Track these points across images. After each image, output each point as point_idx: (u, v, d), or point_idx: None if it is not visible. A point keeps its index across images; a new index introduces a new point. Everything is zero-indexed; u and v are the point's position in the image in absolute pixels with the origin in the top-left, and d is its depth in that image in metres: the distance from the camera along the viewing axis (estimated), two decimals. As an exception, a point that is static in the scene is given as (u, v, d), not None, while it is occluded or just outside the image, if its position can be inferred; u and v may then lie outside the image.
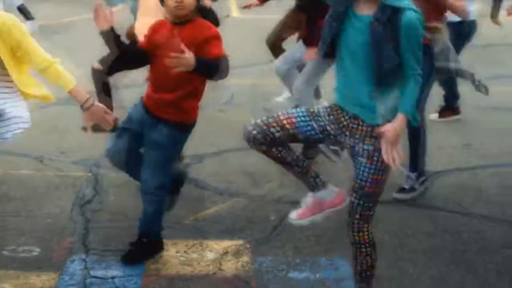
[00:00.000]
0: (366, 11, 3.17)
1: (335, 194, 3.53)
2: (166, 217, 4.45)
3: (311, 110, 3.36)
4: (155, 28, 3.99)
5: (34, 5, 10.75)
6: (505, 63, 8.73)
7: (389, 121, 3.16)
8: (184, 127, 4.01)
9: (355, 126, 3.26)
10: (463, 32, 6.26)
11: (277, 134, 3.29)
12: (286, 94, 6.72)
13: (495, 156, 5.90)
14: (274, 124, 3.30)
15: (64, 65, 3.78)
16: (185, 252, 4.25)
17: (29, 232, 4.46)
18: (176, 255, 4.21)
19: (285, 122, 3.30)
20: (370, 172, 3.25)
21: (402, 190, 4.98)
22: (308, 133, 3.32)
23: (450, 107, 7.03)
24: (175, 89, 3.89)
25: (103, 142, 5.98)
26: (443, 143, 6.06)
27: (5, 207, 4.84)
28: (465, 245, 4.35)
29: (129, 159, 4.11)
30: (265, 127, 3.29)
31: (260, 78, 7.93)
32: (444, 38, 4.69)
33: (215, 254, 4.22)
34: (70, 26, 11.08)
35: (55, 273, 3.97)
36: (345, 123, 3.29)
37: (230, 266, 4.07)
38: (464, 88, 6.95)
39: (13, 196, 5.03)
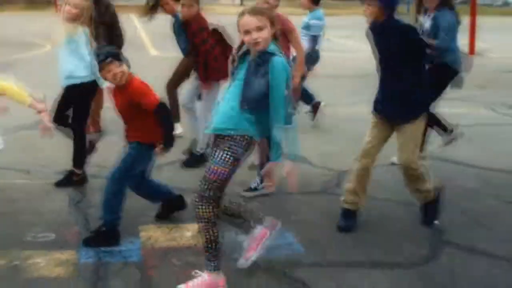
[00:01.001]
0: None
1: (268, 224, 4.64)
2: (147, 209, 5.59)
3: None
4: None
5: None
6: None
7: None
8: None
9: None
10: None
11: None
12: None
13: (387, 158, 7.31)
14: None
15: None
16: (168, 233, 5.36)
17: (41, 224, 5.44)
18: (162, 234, 5.31)
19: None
20: (210, 162, 4.34)
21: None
22: None
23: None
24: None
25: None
26: (322, 150, 7.42)
27: (12, 207, 5.80)
28: (375, 219, 5.67)
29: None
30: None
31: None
32: None
33: (192, 232, 5.33)
34: (8, 66, 11.89)
35: (73, 251, 4.96)
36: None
37: (206, 240, 5.22)
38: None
39: (16, 198, 6.00)
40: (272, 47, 4.27)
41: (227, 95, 4.41)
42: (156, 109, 5.03)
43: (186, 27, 7.04)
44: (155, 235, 5.32)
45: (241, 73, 4.32)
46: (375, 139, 5.36)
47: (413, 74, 5.21)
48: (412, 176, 5.35)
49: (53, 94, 6.26)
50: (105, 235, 5.14)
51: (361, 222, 5.53)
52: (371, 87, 5.63)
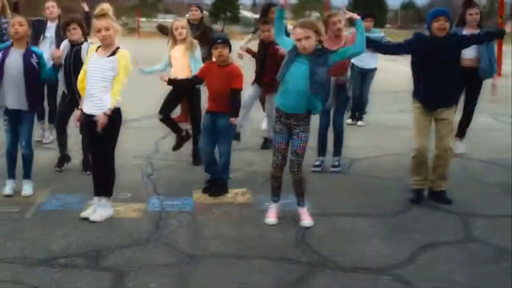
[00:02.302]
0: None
1: None
2: (200, 179, 7.26)
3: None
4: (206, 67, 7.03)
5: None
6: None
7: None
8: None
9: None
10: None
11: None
12: None
13: (391, 149, 8.85)
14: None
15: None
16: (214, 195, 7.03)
17: (122, 187, 7.08)
18: (208, 196, 6.98)
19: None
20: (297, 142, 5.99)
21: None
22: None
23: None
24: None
25: (150, 146, 8.81)
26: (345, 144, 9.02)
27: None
28: (372, 190, 7.21)
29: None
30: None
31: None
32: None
33: (231, 194, 6.95)
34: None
35: (143, 204, 6.64)
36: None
37: (241, 199, 6.82)
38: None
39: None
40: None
41: (288, 85, 5.77)
42: (238, 90, 6.78)
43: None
44: (203, 195, 6.97)
45: (297, 67, 5.73)
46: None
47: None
48: (447, 159, 6.55)
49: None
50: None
51: (353, 189, 7.06)
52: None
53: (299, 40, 5.71)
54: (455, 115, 6.81)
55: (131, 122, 10.46)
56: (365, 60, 10.06)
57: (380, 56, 10.07)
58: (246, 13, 50.05)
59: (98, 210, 6.18)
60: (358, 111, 10.87)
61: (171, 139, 9.47)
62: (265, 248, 5.54)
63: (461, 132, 8.75)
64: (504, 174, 7.87)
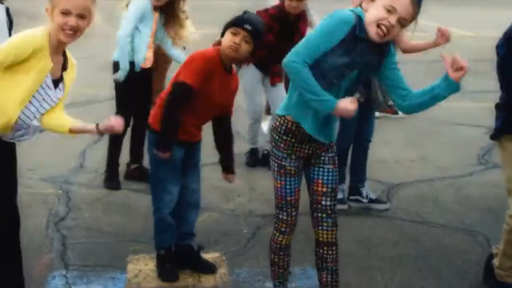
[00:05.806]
0: None
1: None
2: (143, 234, 4.67)
3: None
4: None
5: None
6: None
7: None
8: None
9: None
10: None
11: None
12: None
13: (450, 168, 6.29)
14: None
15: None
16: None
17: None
18: (154, 269, 4.36)
19: None
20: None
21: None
22: None
23: None
24: None
25: (68, 158, 6.17)
26: (401, 157, 6.44)
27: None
28: (427, 252, 4.68)
29: None
30: None
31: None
32: None
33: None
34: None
35: (37, 289, 4.12)
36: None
37: (209, 278, 4.27)
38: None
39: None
40: None
41: None
42: None
43: None
44: (146, 269, 4.37)
45: None
46: None
47: None
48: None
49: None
50: None
51: (409, 258, 4.53)
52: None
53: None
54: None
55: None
56: None
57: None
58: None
59: None
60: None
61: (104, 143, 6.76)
62: None
63: None
64: None
